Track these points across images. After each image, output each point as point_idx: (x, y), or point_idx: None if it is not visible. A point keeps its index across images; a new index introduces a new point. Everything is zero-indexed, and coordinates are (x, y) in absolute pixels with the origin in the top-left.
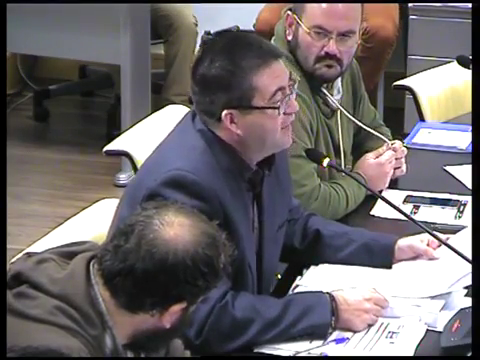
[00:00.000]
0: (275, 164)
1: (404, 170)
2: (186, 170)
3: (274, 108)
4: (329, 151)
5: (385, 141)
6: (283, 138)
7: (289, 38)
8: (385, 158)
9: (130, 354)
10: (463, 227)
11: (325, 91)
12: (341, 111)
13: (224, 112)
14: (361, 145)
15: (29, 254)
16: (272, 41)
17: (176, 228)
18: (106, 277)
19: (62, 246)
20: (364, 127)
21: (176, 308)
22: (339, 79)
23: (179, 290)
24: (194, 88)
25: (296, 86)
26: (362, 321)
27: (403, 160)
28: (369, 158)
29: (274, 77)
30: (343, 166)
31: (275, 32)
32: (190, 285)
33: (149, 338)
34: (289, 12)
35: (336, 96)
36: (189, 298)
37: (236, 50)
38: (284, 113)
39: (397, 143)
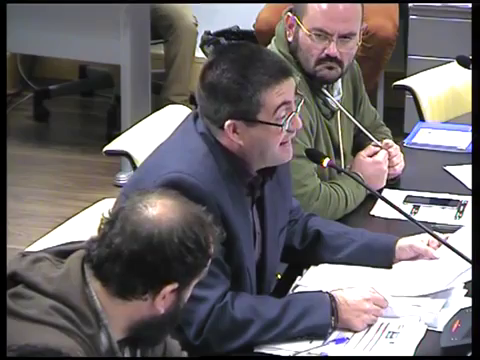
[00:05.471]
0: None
1: (403, 164)
2: (186, 173)
3: (278, 125)
4: (329, 152)
5: (378, 144)
6: (282, 153)
7: (289, 39)
8: (382, 156)
9: (127, 352)
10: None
11: (325, 92)
12: (341, 112)
13: (227, 122)
14: (361, 146)
15: (24, 254)
16: (272, 41)
17: (160, 208)
18: (95, 266)
19: (57, 246)
20: (362, 129)
21: (168, 289)
22: (339, 80)
23: (168, 268)
24: (201, 92)
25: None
26: (362, 321)
27: (401, 156)
28: (364, 157)
29: (281, 93)
30: (343, 167)
31: (276, 32)
32: (178, 262)
33: (145, 328)
34: (289, 13)
35: (336, 97)
36: (180, 278)
37: (249, 65)
38: (287, 130)
39: (389, 142)
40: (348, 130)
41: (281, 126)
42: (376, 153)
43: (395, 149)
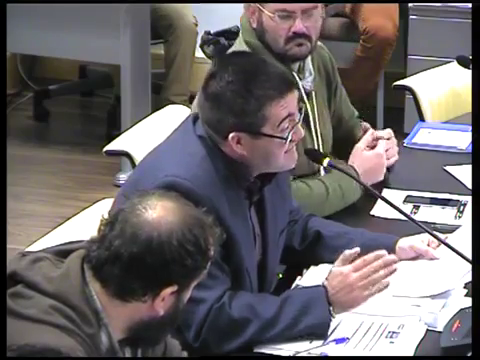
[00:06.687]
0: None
1: (396, 154)
2: (182, 177)
3: (282, 138)
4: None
5: (366, 126)
6: (287, 160)
7: (254, 26)
8: (382, 148)
9: (127, 352)
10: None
11: (295, 75)
12: (315, 94)
13: (231, 134)
14: (349, 134)
15: (24, 254)
16: (240, 35)
17: (159, 210)
18: (95, 267)
19: (57, 245)
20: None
21: (167, 291)
22: (309, 60)
23: (168, 271)
24: (203, 102)
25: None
26: (354, 298)
27: (394, 141)
28: (363, 149)
29: (285, 106)
30: (322, 150)
31: (241, 26)
32: (178, 265)
33: (145, 329)
34: (250, 4)
35: (308, 78)
36: (179, 280)
37: (254, 78)
38: (290, 140)
39: (366, 124)
40: (322, 112)
41: (285, 139)
42: (374, 145)
43: (387, 133)
